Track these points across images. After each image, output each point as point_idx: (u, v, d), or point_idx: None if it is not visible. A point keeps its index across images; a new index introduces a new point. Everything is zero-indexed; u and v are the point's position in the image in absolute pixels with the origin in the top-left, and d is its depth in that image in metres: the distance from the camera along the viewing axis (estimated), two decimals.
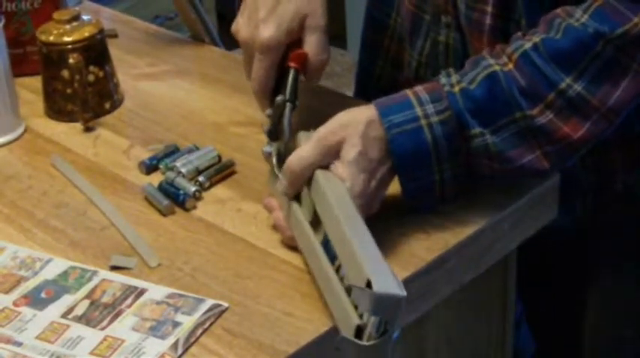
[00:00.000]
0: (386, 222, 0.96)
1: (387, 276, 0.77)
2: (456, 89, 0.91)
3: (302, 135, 0.96)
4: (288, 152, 0.94)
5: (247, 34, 1.02)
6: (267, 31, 1.00)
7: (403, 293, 0.75)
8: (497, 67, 0.91)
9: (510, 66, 0.91)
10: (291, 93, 1.00)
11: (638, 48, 0.89)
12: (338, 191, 0.87)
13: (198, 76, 1.29)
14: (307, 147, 0.91)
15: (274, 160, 0.96)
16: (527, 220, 1.00)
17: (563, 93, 0.89)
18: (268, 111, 1.01)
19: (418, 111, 0.91)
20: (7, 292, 0.92)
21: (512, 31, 0.96)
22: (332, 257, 0.84)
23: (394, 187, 0.94)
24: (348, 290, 0.80)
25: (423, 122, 0.90)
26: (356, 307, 0.78)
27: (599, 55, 0.89)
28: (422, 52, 1.12)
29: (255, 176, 1.06)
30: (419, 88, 0.93)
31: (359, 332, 0.76)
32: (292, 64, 1.01)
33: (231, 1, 2.89)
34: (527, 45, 0.91)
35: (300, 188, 0.92)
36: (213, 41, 1.41)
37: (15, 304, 0.91)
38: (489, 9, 1.00)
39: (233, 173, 1.07)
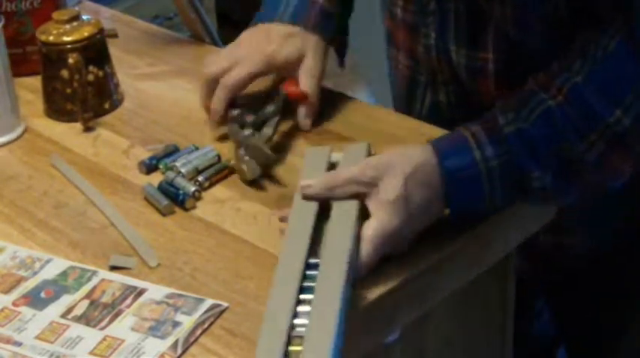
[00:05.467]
0: None
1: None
2: (512, 128, 0.91)
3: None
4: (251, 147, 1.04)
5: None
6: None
7: None
8: (551, 103, 0.91)
9: (561, 98, 0.91)
10: (279, 106, 1.11)
11: None
12: (344, 245, 0.84)
13: (198, 75, 1.29)
14: (348, 171, 0.90)
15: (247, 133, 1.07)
16: (527, 220, 1.00)
17: (611, 126, 0.90)
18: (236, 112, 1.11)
19: (477, 154, 0.90)
20: (6, 292, 0.92)
21: (517, 71, 0.97)
22: (302, 286, 0.81)
23: None
24: (289, 336, 0.76)
25: (482, 166, 0.90)
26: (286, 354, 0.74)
27: None
28: (420, 114, 1.14)
29: None
30: (476, 129, 0.91)
31: None
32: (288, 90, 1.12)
33: (231, 1, 2.89)
34: (577, 79, 0.91)
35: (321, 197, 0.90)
36: (213, 41, 1.41)
37: (14, 304, 0.90)
38: (490, 56, 1.00)
39: (232, 173, 1.07)
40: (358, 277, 0.85)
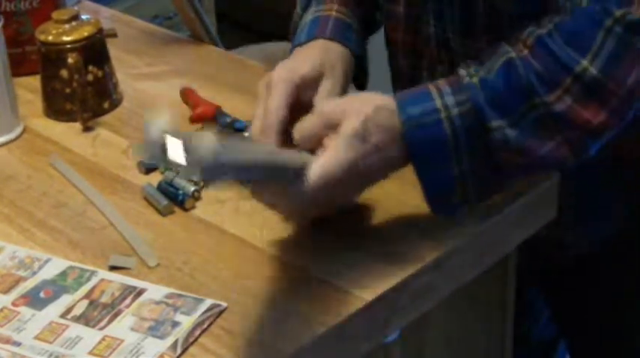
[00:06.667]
0: (386, 222, 0.96)
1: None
2: (475, 80, 0.90)
3: None
4: None
5: None
6: None
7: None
8: (513, 54, 0.89)
9: (526, 52, 0.89)
10: None
11: None
12: None
13: (197, 75, 1.29)
14: (309, 118, 0.90)
15: None
16: (527, 220, 1.00)
17: (579, 77, 0.87)
18: None
19: (438, 103, 0.89)
20: (5, 292, 0.92)
21: None
22: None
23: (396, 190, 0.94)
24: None
25: (443, 114, 0.88)
26: None
27: (610, 31, 0.87)
28: None
29: None
30: (440, 81, 0.91)
31: None
32: None
33: (230, 1, 2.90)
34: (542, 31, 0.90)
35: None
36: (213, 41, 1.41)
37: (14, 304, 0.90)
38: (483, 46, 0.99)
39: None
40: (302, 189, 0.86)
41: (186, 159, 0.74)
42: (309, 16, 1.09)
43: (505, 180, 0.93)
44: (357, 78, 1.08)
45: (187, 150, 0.74)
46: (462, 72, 0.91)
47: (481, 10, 0.99)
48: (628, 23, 0.87)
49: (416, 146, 0.89)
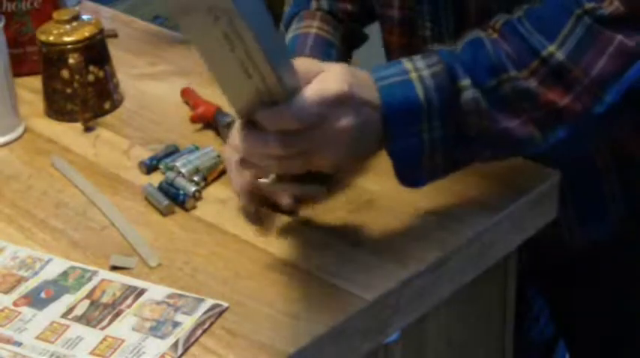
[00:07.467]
0: (386, 222, 0.96)
1: None
2: (445, 51, 0.90)
3: None
4: None
5: None
6: None
7: None
8: (482, 34, 0.90)
9: (495, 35, 0.90)
10: None
11: (613, 23, 0.89)
12: None
13: (198, 75, 1.29)
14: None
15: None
16: (527, 220, 1.00)
17: (545, 61, 0.88)
18: None
19: (408, 65, 0.89)
20: (7, 292, 0.92)
21: None
22: None
23: (396, 189, 0.94)
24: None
25: (413, 75, 0.88)
26: None
27: (579, 20, 0.88)
28: None
29: None
30: (414, 56, 0.91)
31: None
32: None
33: None
34: (511, 16, 0.91)
35: None
36: None
37: (15, 304, 0.91)
38: None
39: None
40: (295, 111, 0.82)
41: None
42: (289, 34, 1.10)
43: (474, 152, 0.92)
44: None
45: None
46: (435, 48, 0.91)
47: (473, 12, 0.99)
48: (598, 16, 0.88)
49: (389, 106, 0.87)
